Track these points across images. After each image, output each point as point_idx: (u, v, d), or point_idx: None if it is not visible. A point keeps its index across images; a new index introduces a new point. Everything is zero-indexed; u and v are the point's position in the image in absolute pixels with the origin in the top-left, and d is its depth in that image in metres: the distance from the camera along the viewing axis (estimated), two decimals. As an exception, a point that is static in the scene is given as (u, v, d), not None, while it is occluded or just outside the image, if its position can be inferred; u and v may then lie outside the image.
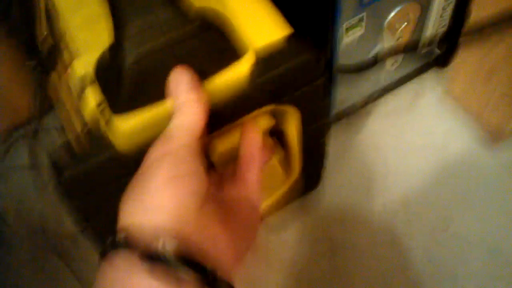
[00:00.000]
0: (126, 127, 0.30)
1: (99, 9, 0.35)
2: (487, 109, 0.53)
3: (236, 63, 0.32)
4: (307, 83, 0.35)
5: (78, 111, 0.34)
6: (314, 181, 0.51)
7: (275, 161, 0.44)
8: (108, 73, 0.31)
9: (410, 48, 0.51)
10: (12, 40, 0.50)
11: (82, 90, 0.33)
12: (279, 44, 0.33)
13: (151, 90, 0.30)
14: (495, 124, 0.53)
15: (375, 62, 0.49)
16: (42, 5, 0.40)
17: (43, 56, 0.41)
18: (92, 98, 0.32)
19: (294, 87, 0.35)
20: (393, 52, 0.50)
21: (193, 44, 0.30)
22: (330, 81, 0.48)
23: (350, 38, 0.45)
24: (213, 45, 0.31)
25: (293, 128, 0.39)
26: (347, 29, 0.43)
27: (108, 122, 0.31)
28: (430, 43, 0.52)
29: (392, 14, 0.46)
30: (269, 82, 0.33)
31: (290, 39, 0.33)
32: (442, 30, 0.52)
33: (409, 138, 0.56)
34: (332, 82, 0.48)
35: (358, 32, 0.45)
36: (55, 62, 0.38)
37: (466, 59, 0.52)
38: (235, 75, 0.32)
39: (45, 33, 0.39)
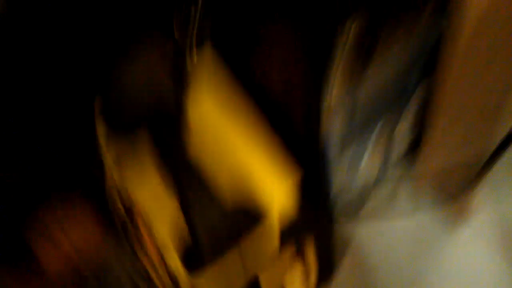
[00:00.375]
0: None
1: (161, 188, 0.42)
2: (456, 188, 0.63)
3: (263, 224, 0.40)
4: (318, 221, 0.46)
5: (163, 276, 0.42)
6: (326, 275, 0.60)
7: (297, 277, 0.54)
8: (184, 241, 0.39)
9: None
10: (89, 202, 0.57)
11: (163, 257, 0.41)
12: (294, 206, 0.42)
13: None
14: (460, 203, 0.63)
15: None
16: (112, 176, 0.47)
17: (118, 217, 0.49)
18: (174, 263, 0.39)
19: (309, 229, 0.45)
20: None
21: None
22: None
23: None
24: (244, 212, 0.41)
25: (310, 249, 0.49)
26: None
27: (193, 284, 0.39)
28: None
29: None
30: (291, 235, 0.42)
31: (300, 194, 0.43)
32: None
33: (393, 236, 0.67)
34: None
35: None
36: (130, 226, 0.46)
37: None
38: (266, 238, 0.41)
39: (118, 201, 0.47)
